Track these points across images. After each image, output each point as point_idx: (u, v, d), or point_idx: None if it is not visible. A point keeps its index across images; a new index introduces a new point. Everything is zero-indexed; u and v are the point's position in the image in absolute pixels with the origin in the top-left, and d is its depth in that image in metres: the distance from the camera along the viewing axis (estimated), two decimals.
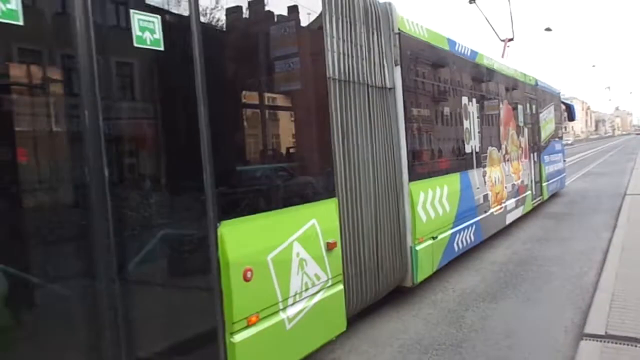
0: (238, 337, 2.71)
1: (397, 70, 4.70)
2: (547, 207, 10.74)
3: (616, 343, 3.50)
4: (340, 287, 3.64)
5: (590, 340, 3.61)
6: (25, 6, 1.87)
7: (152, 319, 2.33)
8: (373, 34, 4.36)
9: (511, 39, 12.81)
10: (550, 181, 11.12)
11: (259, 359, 2.86)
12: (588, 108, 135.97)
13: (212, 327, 2.60)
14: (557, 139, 12.20)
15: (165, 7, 2.42)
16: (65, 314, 2.06)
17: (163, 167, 2.53)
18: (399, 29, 4.72)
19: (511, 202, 7.98)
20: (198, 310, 2.58)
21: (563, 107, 13.21)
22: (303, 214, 3.28)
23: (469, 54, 6.60)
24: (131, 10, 2.23)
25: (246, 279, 2.75)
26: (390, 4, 4.67)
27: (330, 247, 3.49)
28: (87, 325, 2.10)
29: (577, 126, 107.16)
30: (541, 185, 10.22)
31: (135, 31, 2.22)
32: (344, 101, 3.86)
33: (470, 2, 12.08)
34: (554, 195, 11.98)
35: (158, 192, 2.46)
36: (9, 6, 1.83)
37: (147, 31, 2.27)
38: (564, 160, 13.32)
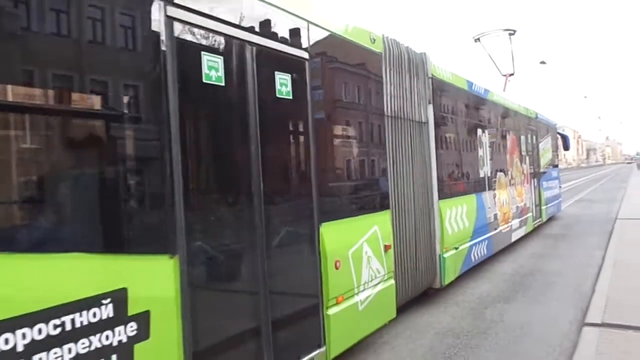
0: (331, 311, 3.64)
1: (430, 108, 5.74)
2: (546, 229, 11.75)
3: (611, 328, 4.43)
4: (392, 281, 4.58)
5: (590, 327, 4.54)
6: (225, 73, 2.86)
7: (282, 290, 3.25)
8: (413, 78, 5.41)
9: (512, 74, 13.99)
10: (549, 205, 12.19)
11: (342, 331, 3.77)
12: (579, 137, 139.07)
13: (316, 302, 3.53)
14: (553, 167, 13.32)
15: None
16: (239, 280, 2.99)
17: (292, 184, 3.50)
18: (432, 74, 5.78)
19: (516, 222, 8.99)
20: (308, 287, 3.51)
21: (559, 137, 14.37)
22: (370, 221, 4.25)
23: (482, 92, 7.70)
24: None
25: (336, 268, 3.70)
26: (425, 54, 5.74)
27: (386, 248, 4.44)
28: (250, 288, 3.02)
29: (569, 154, 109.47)
30: (540, 209, 11.27)
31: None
32: (394, 133, 4.88)
33: (475, 41, 13.30)
34: (550, 219, 13.00)
35: (287, 201, 3.42)
36: (219, 74, 2.81)
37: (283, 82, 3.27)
38: (560, 187, 14.41)
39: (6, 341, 1.78)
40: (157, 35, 2.45)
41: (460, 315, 5.44)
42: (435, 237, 5.69)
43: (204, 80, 2.72)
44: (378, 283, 4.32)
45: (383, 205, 4.51)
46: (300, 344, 3.38)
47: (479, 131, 7.49)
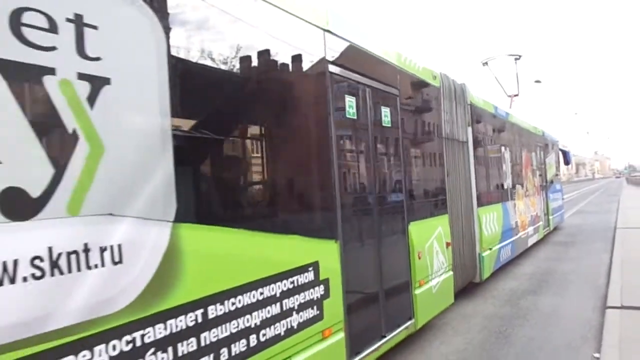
0: (417, 292, 4.69)
1: (469, 130, 6.87)
2: (553, 237, 12.88)
3: (630, 310, 5.50)
4: (451, 273, 5.64)
5: (612, 309, 5.59)
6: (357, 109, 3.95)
7: (389, 271, 4.29)
8: (458, 105, 6.54)
9: (516, 95, 15.28)
10: (554, 215, 13.38)
11: (424, 308, 4.82)
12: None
13: (408, 282, 4.57)
14: (557, 180, 14.55)
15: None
16: (367, 260, 4.01)
17: (392, 190, 4.57)
18: (470, 101, 6.93)
19: (531, 229, 10.12)
20: (403, 271, 4.55)
21: (560, 152, 15.65)
22: (437, 222, 5.32)
23: (504, 114, 8.89)
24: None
25: (419, 258, 4.75)
26: (464, 84, 6.90)
27: (447, 245, 5.51)
28: (373, 268, 4.05)
29: (560, 169, 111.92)
30: (548, 218, 12.45)
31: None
32: (448, 152, 5.99)
33: (483, 65, 14.59)
34: (555, 229, 14.16)
35: (390, 204, 4.49)
36: (353, 110, 3.90)
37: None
38: (563, 198, 15.63)
39: (265, 289, 2.79)
40: (325, 85, 3.54)
41: (500, 304, 6.48)
42: (475, 239, 6.78)
43: (346, 115, 3.80)
44: (442, 273, 5.38)
45: (444, 209, 5.59)
46: (398, 315, 4.41)
47: (502, 148, 8.65)
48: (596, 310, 5.94)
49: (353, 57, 3.98)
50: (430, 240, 5.08)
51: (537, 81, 35.10)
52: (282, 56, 3.19)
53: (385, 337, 4.11)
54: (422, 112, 5.32)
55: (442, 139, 5.78)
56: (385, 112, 4.41)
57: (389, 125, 4.47)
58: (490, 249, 7.27)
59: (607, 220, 16.45)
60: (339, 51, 3.77)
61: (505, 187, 8.60)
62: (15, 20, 1.72)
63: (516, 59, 14.29)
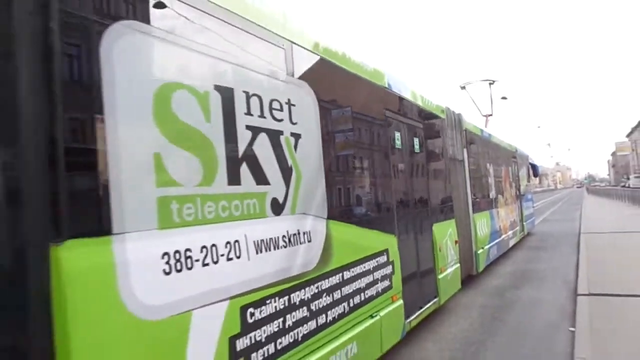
0: (439, 277, 6.27)
1: (465, 151, 8.58)
2: (527, 243, 14.41)
3: (596, 296, 6.54)
4: (458, 265, 7.25)
5: (582, 296, 6.62)
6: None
7: (423, 259, 5.83)
8: (455, 131, 8.25)
9: (490, 115, 17.28)
10: (527, 221, 15.35)
11: (443, 290, 6.39)
12: None
13: (433, 269, 6.15)
14: (528, 191, 16.58)
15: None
16: (410, 250, 5.54)
17: (421, 198, 6.14)
18: (465, 127, 8.66)
19: (510, 233, 11.95)
20: (430, 260, 6.11)
21: (530, 166, 17.73)
22: (448, 225, 6.95)
23: (487, 135, 10.71)
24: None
25: (440, 250, 6.34)
26: (460, 114, 8.63)
27: (456, 243, 7.13)
28: (412, 255, 5.58)
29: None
30: (523, 223, 14.36)
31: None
32: (452, 169, 7.65)
33: (461, 88, 16.54)
34: (527, 235, 16.04)
35: (419, 208, 6.06)
36: (398, 142, 5.48)
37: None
38: (533, 207, 17.68)
39: (361, 267, 4.27)
40: (384, 127, 5.11)
41: (490, 297, 7.74)
42: (472, 239, 8.44)
43: (396, 146, 5.38)
44: (453, 264, 6.99)
45: (452, 215, 7.22)
46: (429, 293, 5.96)
47: (487, 164, 10.43)
48: (569, 298, 7.15)
49: (397, 104, 5.59)
50: (445, 238, 6.69)
51: (504, 97, 37.86)
52: (367, 108, 4.75)
53: (422, 308, 5.65)
54: (434, 139, 6.97)
55: (447, 159, 7.44)
56: (415, 141, 6.02)
57: (418, 151, 6.08)
58: (483, 247, 8.96)
59: (572, 227, 17.97)
60: (391, 101, 5.37)
61: (491, 196, 10.38)
62: (269, 106, 3.21)
63: (490, 84, 16.30)
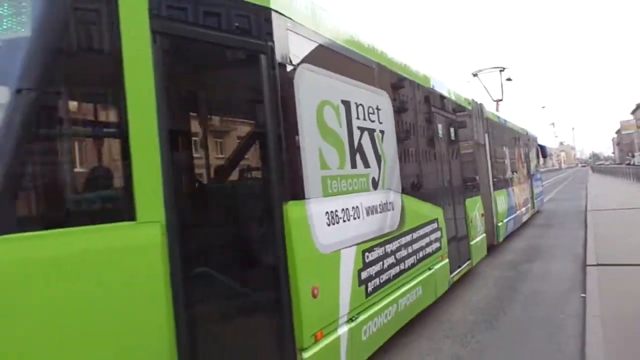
0: (472, 243, 7.61)
1: (486, 136, 9.86)
2: (535, 221, 14.99)
3: (603, 266, 7.04)
4: (484, 235, 8.59)
5: (590, 267, 7.09)
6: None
7: (459, 228, 7.15)
8: (478, 119, 9.52)
9: (501, 100, 18.46)
10: (537, 199, 16.67)
11: (475, 254, 7.73)
12: None
13: (466, 236, 7.48)
14: (537, 170, 17.85)
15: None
16: (454, 216, 6.85)
17: (459, 177, 7.43)
18: (486, 116, 9.93)
19: (523, 209, 13.27)
20: (464, 229, 7.44)
21: (539, 147, 18.98)
22: (476, 200, 8.28)
23: (504, 121, 11.97)
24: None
25: (471, 221, 7.67)
26: (482, 104, 9.88)
27: (482, 215, 8.46)
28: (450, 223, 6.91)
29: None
30: (533, 201, 15.67)
31: None
32: (477, 152, 8.95)
33: (473, 75, 17.71)
34: (537, 211, 17.27)
35: (458, 186, 7.37)
36: (441, 133, 6.77)
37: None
38: (542, 185, 18.96)
39: (422, 230, 5.58)
40: (435, 123, 6.40)
41: (504, 270, 8.37)
42: (494, 213, 9.76)
43: (439, 136, 6.66)
44: (481, 234, 8.33)
45: (478, 192, 8.53)
46: (464, 256, 7.29)
47: (503, 147, 11.71)
48: (578, 270, 7.71)
49: (439, 101, 6.89)
50: (475, 211, 8.01)
51: (509, 79, 38.87)
52: (421, 106, 6.03)
53: (460, 267, 6.99)
54: (464, 127, 8.24)
55: (474, 144, 8.73)
56: (451, 130, 7.31)
57: (453, 138, 7.37)
58: (502, 221, 10.29)
59: (578, 205, 18.79)
60: (435, 99, 6.69)
61: (507, 176, 11.68)
62: (367, 111, 4.49)
63: (500, 71, 17.46)
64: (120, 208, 2.44)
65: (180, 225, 2.51)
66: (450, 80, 7.77)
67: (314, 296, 3.29)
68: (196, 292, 2.60)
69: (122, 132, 2.40)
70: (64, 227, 2.18)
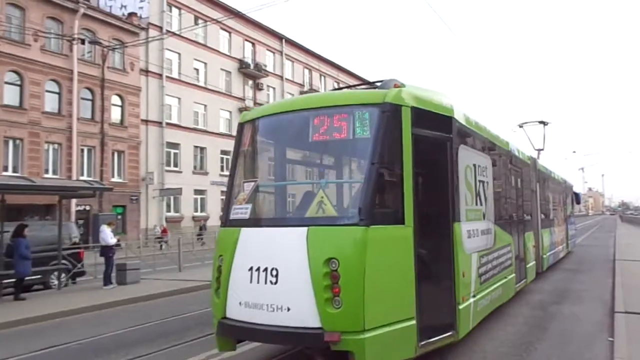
0: (527, 266, 10.25)
1: (537, 184, 12.52)
2: (563, 265, 15.54)
3: (632, 314, 7.50)
4: (534, 262, 11.22)
5: (619, 313, 7.60)
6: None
7: (522, 252, 9.77)
8: (532, 171, 12.21)
9: (542, 149, 20.97)
10: (571, 240, 19.11)
11: (529, 274, 10.35)
12: None
13: (524, 259, 10.09)
14: (573, 215, 20.31)
15: None
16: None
17: (525, 217, 10.11)
18: (538, 168, 12.63)
19: (560, 247, 15.83)
20: (523, 254, 10.05)
21: (573, 194, 21.44)
22: (531, 234, 10.95)
23: (549, 172, 14.66)
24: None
25: (527, 250, 10.32)
26: (535, 159, 12.60)
27: (533, 247, 11.11)
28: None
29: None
30: (567, 242, 18.12)
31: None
32: (530, 198, 11.60)
33: (520, 127, 20.34)
34: (569, 253, 18.47)
35: (522, 223, 10.04)
36: (516, 182, 9.49)
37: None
38: (575, 229, 21.34)
39: (504, 250, 8.21)
40: (523, 177, 9.14)
41: (533, 309, 8.96)
42: (540, 247, 12.34)
43: (512, 185, 9.37)
44: (532, 261, 11.01)
45: (531, 229, 11.16)
46: (521, 275, 9.84)
47: (548, 193, 14.32)
48: (606, 315, 8.11)
49: (513, 158, 9.68)
50: (530, 242, 10.70)
51: (542, 122, 41.26)
52: (504, 164, 8.75)
53: (519, 282, 9.55)
54: (525, 178, 10.94)
55: (529, 191, 11.41)
56: (519, 181, 10.02)
57: (520, 187, 10.07)
58: (546, 254, 12.86)
59: (606, 253, 19.35)
60: (511, 158, 9.45)
61: (550, 218, 14.25)
62: (481, 170, 7.23)
63: (544, 125, 20.09)
64: (402, 219, 5.15)
65: (416, 230, 5.22)
66: (502, 131, 10.36)
67: (463, 276, 5.98)
68: (420, 256, 5.26)
69: (400, 181, 5.13)
70: (389, 225, 4.97)
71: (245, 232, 5.12)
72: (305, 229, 4.75)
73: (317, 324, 4.50)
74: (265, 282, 4.72)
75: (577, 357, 5.96)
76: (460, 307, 5.83)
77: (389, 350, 4.76)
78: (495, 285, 7.54)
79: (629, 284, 10.12)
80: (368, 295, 4.53)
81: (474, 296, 6.43)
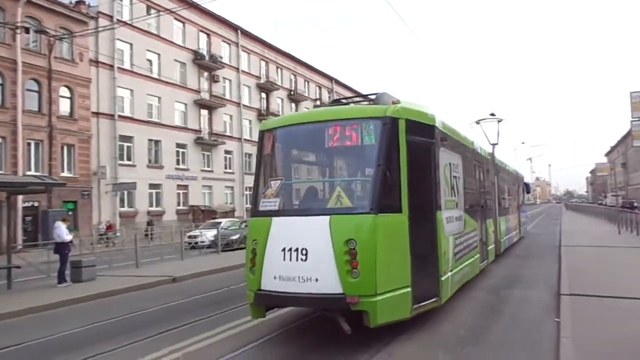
0: (488, 248, 12.24)
1: (495, 177, 14.61)
2: (513, 252, 16.90)
3: (576, 296, 8.25)
4: (493, 245, 13.26)
5: (564, 296, 8.34)
6: None
7: (487, 234, 11.73)
8: (491, 165, 14.26)
9: (496, 144, 23.37)
10: (523, 227, 21.67)
11: (489, 255, 12.33)
12: None
13: (485, 242, 12.09)
14: (524, 204, 22.89)
15: None
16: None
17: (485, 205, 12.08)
18: (496, 162, 14.72)
19: (514, 233, 18.16)
20: (485, 238, 12.03)
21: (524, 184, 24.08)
22: (491, 221, 12.97)
23: (505, 165, 16.85)
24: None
25: (488, 234, 12.32)
26: (493, 154, 14.65)
27: (493, 232, 13.16)
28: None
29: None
30: (520, 228, 20.59)
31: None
32: (489, 188, 13.64)
33: (476, 123, 22.60)
34: (521, 238, 21.30)
35: (485, 211, 12.00)
36: (481, 176, 11.42)
37: None
38: (526, 217, 24.00)
39: (472, 234, 10.08)
40: (492, 172, 11.04)
41: (487, 293, 9.94)
42: (498, 232, 14.44)
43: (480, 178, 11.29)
44: (492, 244, 13.01)
45: (491, 216, 13.19)
46: (483, 256, 11.79)
47: (504, 184, 16.51)
48: (553, 297, 9.01)
49: (477, 155, 11.58)
50: (491, 228, 12.68)
51: (492, 114, 44.39)
52: (470, 160, 10.60)
53: (482, 262, 11.49)
54: (486, 171, 12.91)
55: (489, 182, 13.43)
56: (481, 174, 11.95)
57: (482, 179, 12.01)
58: (503, 238, 15.01)
59: (552, 239, 21.10)
60: (475, 154, 11.36)
61: (506, 206, 16.46)
62: (455, 167, 9.01)
63: (499, 121, 22.44)
64: (400, 208, 6.75)
65: (410, 217, 6.85)
66: (461, 127, 12.27)
67: (444, 254, 7.71)
68: (412, 236, 6.85)
69: (398, 178, 6.74)
70: (391, 214, 6.58)
71: (276, 220, 6.56)
72: (328, 217, 6.27)
73: (340, 290, 6.03)
74: (297, 260, 6.20)
75: (527, 338, 6.71)
76: (442, 278, 7.54)
77: (392, 311, 6.38)
78: (465, 263, 9.36)
79: (573, 267, 11.35)
80: (379, 267, 6.13)
81: (451, 271, 8.18)
